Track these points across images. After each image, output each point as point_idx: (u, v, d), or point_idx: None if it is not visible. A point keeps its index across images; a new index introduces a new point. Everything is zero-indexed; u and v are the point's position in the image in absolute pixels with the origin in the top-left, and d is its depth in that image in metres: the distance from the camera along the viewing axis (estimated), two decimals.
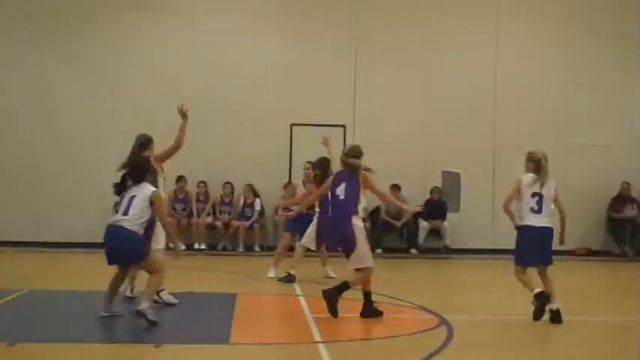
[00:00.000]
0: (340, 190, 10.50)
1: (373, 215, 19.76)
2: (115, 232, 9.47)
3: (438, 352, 8.35)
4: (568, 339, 9.69)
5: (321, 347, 8.57)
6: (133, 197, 9.54)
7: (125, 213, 9.46)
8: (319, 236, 12.22)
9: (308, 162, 14.45)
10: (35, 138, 19.07)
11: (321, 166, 13.21)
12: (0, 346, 8.21)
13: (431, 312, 10.77)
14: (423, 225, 19.64)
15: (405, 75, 20.17)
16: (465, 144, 19.80)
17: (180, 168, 17.91)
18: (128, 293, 11.12)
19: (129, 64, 19.58)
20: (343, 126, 19.77)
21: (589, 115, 20.50)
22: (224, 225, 19.36)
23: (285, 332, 9.89)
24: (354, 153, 10.71)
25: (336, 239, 10.68)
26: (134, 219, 9.42)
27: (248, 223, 19.16)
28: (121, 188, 9.67)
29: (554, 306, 10.23)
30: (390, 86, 20.06)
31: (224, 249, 19.24)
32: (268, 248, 18.94)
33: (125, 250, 9.50)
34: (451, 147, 19.55)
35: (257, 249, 19.19)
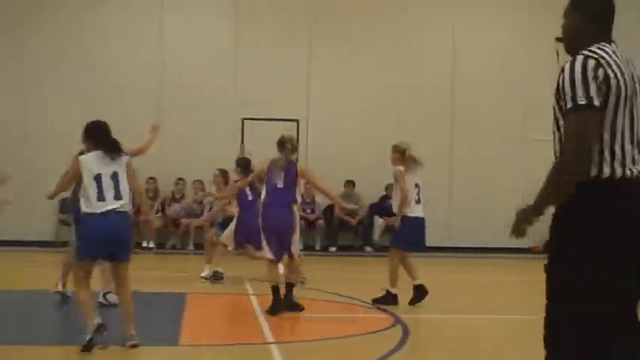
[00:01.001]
0: (279, 179, 10.54)
1: (327, 212, 19.75)
2: (120, 222, 8.18)
3: (393, 352, 8.31)
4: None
5: (274, 348, 8.53)
6: (115, 174, 8.16)
7: (118, 197, 8.12)
8: (241, 235, 12.56)
9: (218, 169, 14.51)
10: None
11: (243, 164, 13.49)
12: None
13: (386, 311, 10.73)
14: (379, 222, 19.66)
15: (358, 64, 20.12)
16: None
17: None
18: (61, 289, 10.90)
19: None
20: (296, 120, 19.77)
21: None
22: (173, 223, 19.23)
23: (237, 333, 9.83)
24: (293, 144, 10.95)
25: (272, 228, 10.59)
26: (128, 201, 8.28)
27: (199, 221, 19.00)
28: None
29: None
30: (341, 76, 20.03)
31: (173, 247, 19.12)
32: None
33: (128, 242, 8.58)
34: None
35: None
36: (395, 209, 11.43)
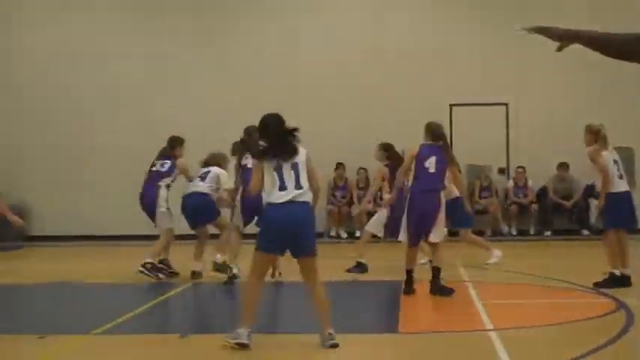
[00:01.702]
0: (430, 163, 10.67)
1: (541, 196, 19.44)
2: (303, 212, 8.09)
3: (617, 338, 8.12)
4: None
5: (493, 334, 8.48)
6: (295, 165, 8.13)
7: (298, 186, 8.05)
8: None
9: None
10: None
11: (389, 147, 13.49)
12: (173, 337, 8.58)
13: (607, 296, 10.45)
14: (595, 204, 19.08)
15: None
16: None
17: (337, 156, 18.30)
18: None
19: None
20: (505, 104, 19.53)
21: None
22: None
23: (455, 320, 9.81)
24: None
25: (427, 214, 10.74)
26: (309, 191, 8.20)
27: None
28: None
29: None
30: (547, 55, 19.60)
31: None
32: None
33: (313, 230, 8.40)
34: None
35: None
36: (598, 189, 11.37)
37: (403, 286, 10.93)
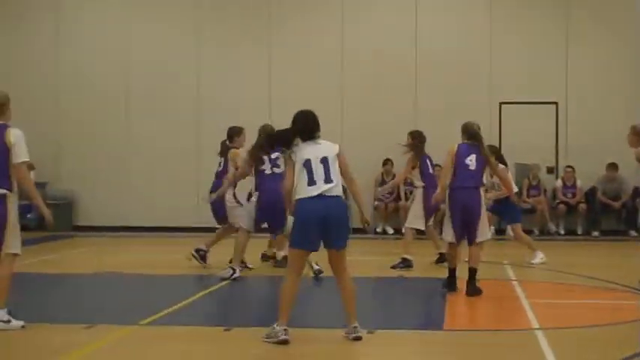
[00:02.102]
0: (471, 161, 10.68)
1: (589, 196, 19.30)
2: (334, 205, 8.11)
3: None
4: None
5: (539, 333, 8.47)
6: (324, 159, 8.15)
7: (328, 180, 8.09)
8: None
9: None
10: None
11: (419, 136, 13.55)
12: (217, 330, 8.66)
13: None
14: None
15: None
16: None
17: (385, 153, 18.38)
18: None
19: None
20: (555, 103, 19.43)
21: None
22: None
23: (501, 318, 9.83)
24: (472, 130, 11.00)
25: (469, 209, 10.74)
26: (339, 185, 8.22)
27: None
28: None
29: None
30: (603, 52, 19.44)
31: None
32: None
33: (346, 224, 8.32)
34: None
35: None
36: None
37: (446, 284, 10.93)
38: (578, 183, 19.10)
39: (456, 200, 10.75)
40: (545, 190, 19.37)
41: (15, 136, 8.44)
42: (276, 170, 11.87)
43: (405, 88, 19.55)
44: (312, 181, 8.02)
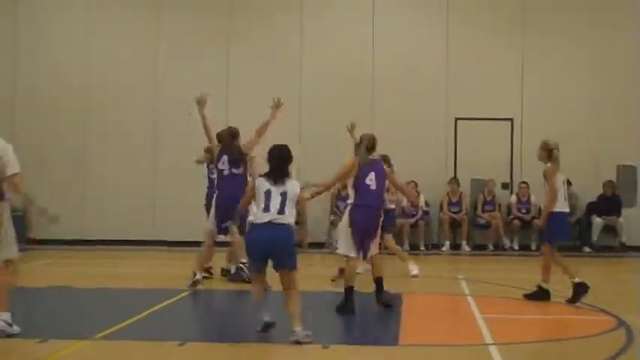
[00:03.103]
0: (371, 180, 10.60)
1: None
2: (281, 232, 8.75)
3: (617, 356, 8.14)
4: None
5: (493, 349, 8.50)
6: (284, 194, 8.83)
7: (281, 211, 8.74)
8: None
9: None
10: None
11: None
12: (171, 344, 8.60)
13: (608, 313, 10.50)
14: (597, 221, 19.10)
15: None
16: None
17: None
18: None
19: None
20: (510, 119, 19.61)
21: None
22: None
23: (456, 333, 9.82)
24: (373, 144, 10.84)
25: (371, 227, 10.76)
26: (290, 216, 8.83)
27: (413, 220, 19.14)
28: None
29: None
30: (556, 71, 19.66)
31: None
32: (434, 246, 19.02)
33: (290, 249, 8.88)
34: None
35: (422, 247, 19.17)
36: (543, 206, 12.08)
37: (343, 306, 10.59)
38: (533, 199, 19.22)
39: (357, 218, 10.64)
40: (499, 206, 19.52)
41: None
42: (235, 171, 12.40)
43: (362, 104, 19.53)
44: (267, 209, 8.71)
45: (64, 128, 20.00)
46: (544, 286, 11.56)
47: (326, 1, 20.36)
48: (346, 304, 10.53)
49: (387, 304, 10.90)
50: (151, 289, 12.68)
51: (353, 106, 19.11)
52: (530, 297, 11.63)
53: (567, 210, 11.80)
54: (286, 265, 8.80)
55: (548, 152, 11.57)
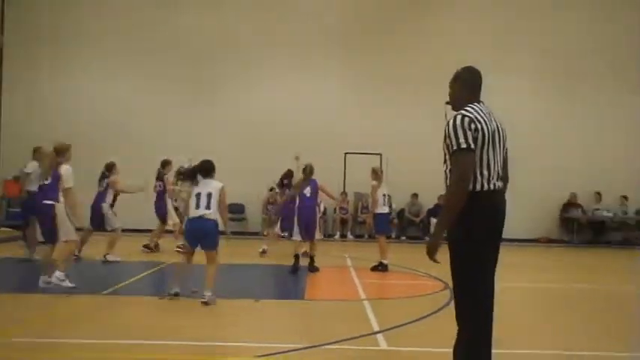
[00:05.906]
0: (307, 191, 11.59)
1: (400, 214, 19.75)
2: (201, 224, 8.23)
3: (444, 307, 8.17)
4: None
5: (366, 303, 8.56)
6: (209, 194, 8.26)
7: (208, 207, 8.20)
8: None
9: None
10: None
11: (287, 176, 14.09)
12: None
13: (439, 280, 10.43)
14: (434, 221, 19.36)
15: None
16: None
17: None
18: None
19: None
20: (379, 154, 19.28)
21: None
22: None
23: (341, 292, 9.81)
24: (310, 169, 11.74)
25: (304, 221, 11.51)
26: (214, 211, 8.28)
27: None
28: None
29: None
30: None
31: None
32: (329, 236, 18.91)
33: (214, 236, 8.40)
34: None
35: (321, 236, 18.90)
36: (370, 209, 12.90)
37: (293, 269, 11.24)
38: (393, 205, 19.29)
39: (301, 214, 11.51)
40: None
41: None
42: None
43: (280, 142, 18.64)
44: (197, 206, 8.20)
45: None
46: (384, 261, 11.77)
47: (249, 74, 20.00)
48: (293, 265, 11.20)
49: (314, 270, 11.35)
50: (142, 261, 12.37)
51: (274, 149, 18.49)
52: (374, 269, 11.74)
53: (387, 212, 12.11)
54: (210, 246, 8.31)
55: (376, 175, 11.87)
